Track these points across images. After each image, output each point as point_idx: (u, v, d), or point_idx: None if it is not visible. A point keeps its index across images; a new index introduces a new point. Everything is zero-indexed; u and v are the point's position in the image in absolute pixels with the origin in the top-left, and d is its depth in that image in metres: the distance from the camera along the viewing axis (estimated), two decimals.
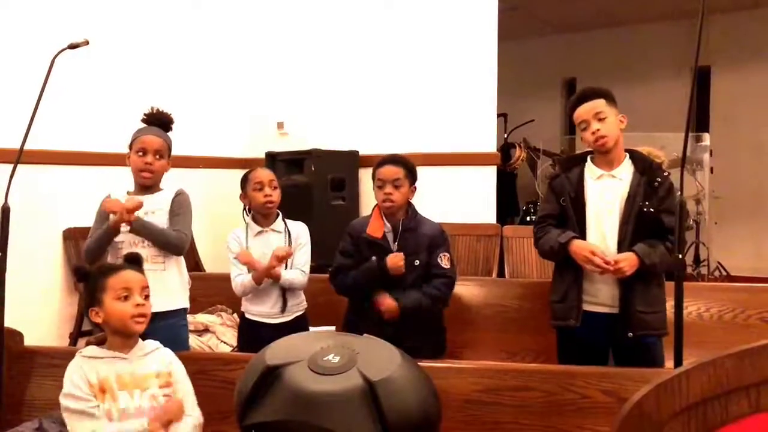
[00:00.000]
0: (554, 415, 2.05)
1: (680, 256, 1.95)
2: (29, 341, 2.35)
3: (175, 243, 2.42)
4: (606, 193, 2.38)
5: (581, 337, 2.41)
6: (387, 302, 2.50)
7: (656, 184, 2.32)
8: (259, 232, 2.72)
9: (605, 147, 2.36)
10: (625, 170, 2.39)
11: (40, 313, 3.46)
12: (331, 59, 4.72)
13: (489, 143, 4.42)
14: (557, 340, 2.55)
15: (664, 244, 2.30)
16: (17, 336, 2.29)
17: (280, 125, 4.86)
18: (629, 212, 2.32)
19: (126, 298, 1.81)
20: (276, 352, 1.04)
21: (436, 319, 2.66)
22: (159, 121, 2.53)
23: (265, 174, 2.72)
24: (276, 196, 2.69)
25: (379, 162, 2.62)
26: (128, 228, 2.35)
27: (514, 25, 7.01)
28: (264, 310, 2.71)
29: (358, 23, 4.64)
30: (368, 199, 4.52)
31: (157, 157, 2.47)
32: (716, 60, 7.03)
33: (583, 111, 2.37)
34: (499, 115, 4.81)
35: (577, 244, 2.33)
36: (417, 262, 2.54)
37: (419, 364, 1.04)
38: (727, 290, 3.18)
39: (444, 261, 2.57)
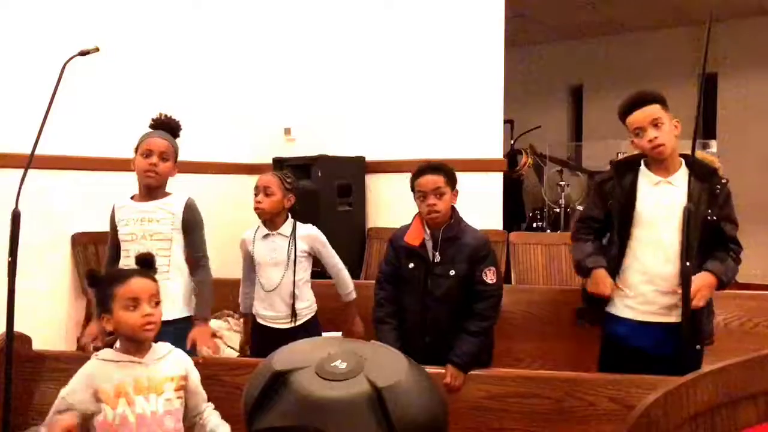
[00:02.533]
0: (561, 422, 2.04)
1: (687, 263, 1.94)
2: (37, 346, 2.36)
3: (210, 278, 2.56)
4: (664, 200, 2.30)
5: (633, 345, 2.33)
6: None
7: (717, 191, 2.26)
8: (266, 235, 2.73)
9: (662, 155, 2.29)
10: (682, 177, 2.30)
11: (48, 317, 3.47)
12: (338, 65, 4.73)
13: (495, 149, 4.42)
14: (601, 347, 2.48)
15: (729, 255, 2.26)
16: (26, 340, 2.30)
17: (287, 131, 4.88)
18: (692, 221, 2.23)
19: (134, 307, 1.79)
20: (283, 357, 1.04)
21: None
22: (166, 126, 2.55)
23: (262, 179, 2.72)
24: (267, 204, 2.67)
25: (417, 172, 2.49)
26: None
27: (521, 32, 7.03)
28: (271, 315, 2.73)
29: (365, 29, 4.65)
30: (375, 205, 4.54)
31: (163, 159, 2.47)
32: (723, 67, 7.02)
33: (640, 117, 2.28)
34: (505, 122, 4.81)
35: (599, 275, 2.33)
36: (452, 273, 2.40)
37: (426, 370, 1.04)
38: (735, 298, 3.16)
39: (489, 276, 2.40)
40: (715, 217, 2.24)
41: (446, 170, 2.46)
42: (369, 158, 4.54)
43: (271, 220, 2.72)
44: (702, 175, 2.29)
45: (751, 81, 7.02)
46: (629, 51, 7.54)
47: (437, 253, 2.43)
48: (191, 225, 2.52)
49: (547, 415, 2.06)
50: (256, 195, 2.70)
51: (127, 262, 2.43)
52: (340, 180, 4.33)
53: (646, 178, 2.36)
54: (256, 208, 2.70)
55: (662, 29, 7.34)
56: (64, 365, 2.24)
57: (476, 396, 2.13)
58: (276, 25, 4.88)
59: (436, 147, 4.40)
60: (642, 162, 2.39)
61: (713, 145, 6.38)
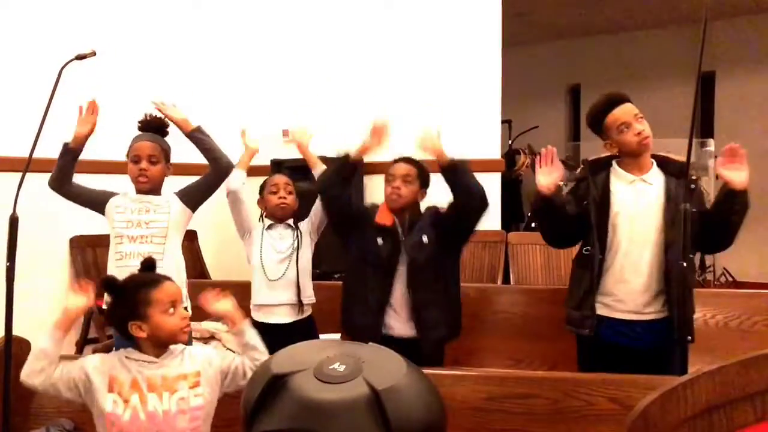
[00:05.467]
0: (560, 423, 2.04)
1: (684, 263, 1.95)
2: None
3: (226, 159, 2.57)
4: (641, 198, 2.35)
5: (609, 342, 2.35)
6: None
7: (693, 186, 2.31)
8: (271, 225, 2.81)
9: (649, 148, 2.36)
10: (655, 174, 2.38)
11: (47, 321, 3.46)
12: (336, 66, 4.74)
13: (493, 149, 4.42)
14: (577, 346, 2.49)
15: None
16: (24, 344, 2.30)
17: (284, 133, 4.88)
18: (671, 215, 2.28)
19: (174, 311, 1.79)
20: (282, 360, 1.05)
21: (454, 295, 2.60)
22: (153, 126, 2.55)
23: (281, 179, 2.86)
24: (291, 200, 2.80)
25: (393, 160, 2.64)
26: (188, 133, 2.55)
27: (519, 32, 7.03)
28: (274, 303, 2.76)
29: (363, 30, 4.66)
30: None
31: (152, 161, 2.47)
32: (721, 65, 7.03)
33: (623, 112, 2.34)
34: (503, 122, 4.82)
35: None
36: (425, 239, 2.50)
37: (424, 371, 1.04)
38: (733, 296, 3.17)
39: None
40: (694, 209, 2.26)
41: (420, 165, 2.59)
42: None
43: (282, 219, 2.81)
44: (676, 171, 2.35)
45: (749, 79, 7.03)
46: (627, 50, 7.55)
47: (406, 235, 2.53)
48: (188, 186, 2.57)
49: (546, 416, 2.06)
50: (275, 192, 2.79)
51: (120, 249, 2.44)
52: None
53: (619, 178, 2.39)
54: (282, 204, 2.78)
55: (659, 28, 7.35)
56: None
57: (475, 397, 2.13)
58: (273, 27, 4.87)
59: None
60: (614, 162, 2.43)
61: (711, 143, 6.38)
